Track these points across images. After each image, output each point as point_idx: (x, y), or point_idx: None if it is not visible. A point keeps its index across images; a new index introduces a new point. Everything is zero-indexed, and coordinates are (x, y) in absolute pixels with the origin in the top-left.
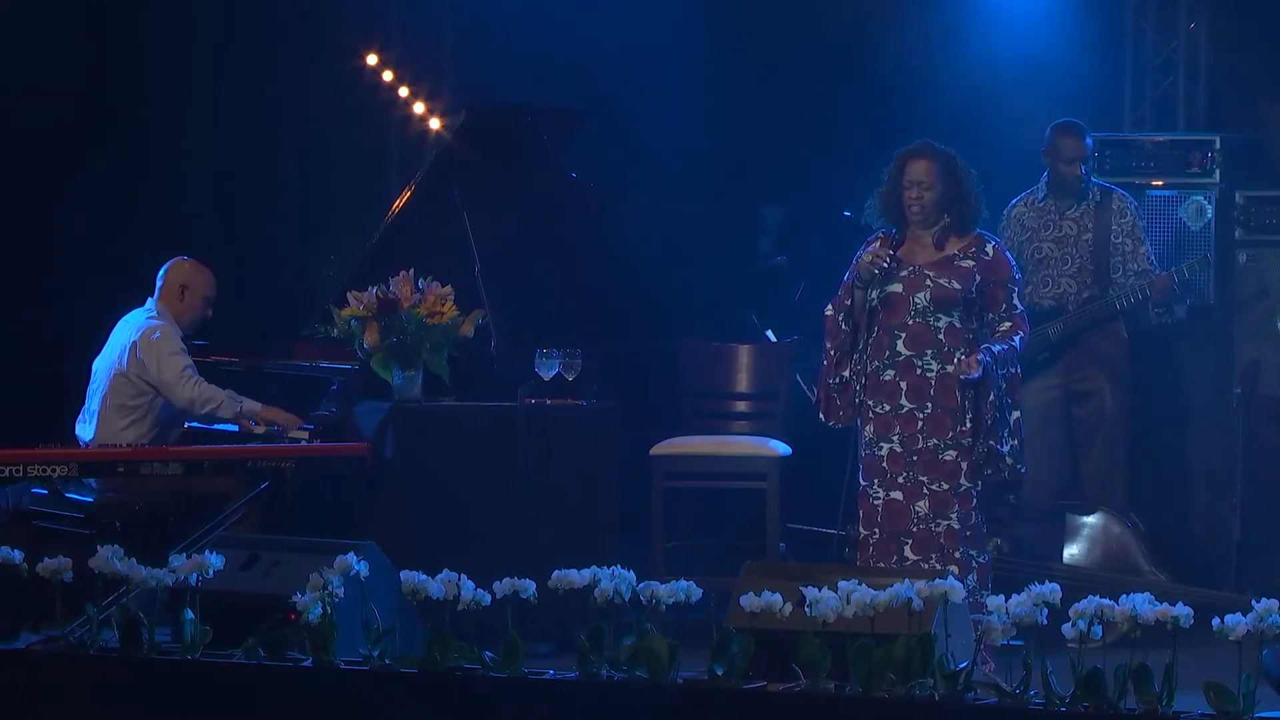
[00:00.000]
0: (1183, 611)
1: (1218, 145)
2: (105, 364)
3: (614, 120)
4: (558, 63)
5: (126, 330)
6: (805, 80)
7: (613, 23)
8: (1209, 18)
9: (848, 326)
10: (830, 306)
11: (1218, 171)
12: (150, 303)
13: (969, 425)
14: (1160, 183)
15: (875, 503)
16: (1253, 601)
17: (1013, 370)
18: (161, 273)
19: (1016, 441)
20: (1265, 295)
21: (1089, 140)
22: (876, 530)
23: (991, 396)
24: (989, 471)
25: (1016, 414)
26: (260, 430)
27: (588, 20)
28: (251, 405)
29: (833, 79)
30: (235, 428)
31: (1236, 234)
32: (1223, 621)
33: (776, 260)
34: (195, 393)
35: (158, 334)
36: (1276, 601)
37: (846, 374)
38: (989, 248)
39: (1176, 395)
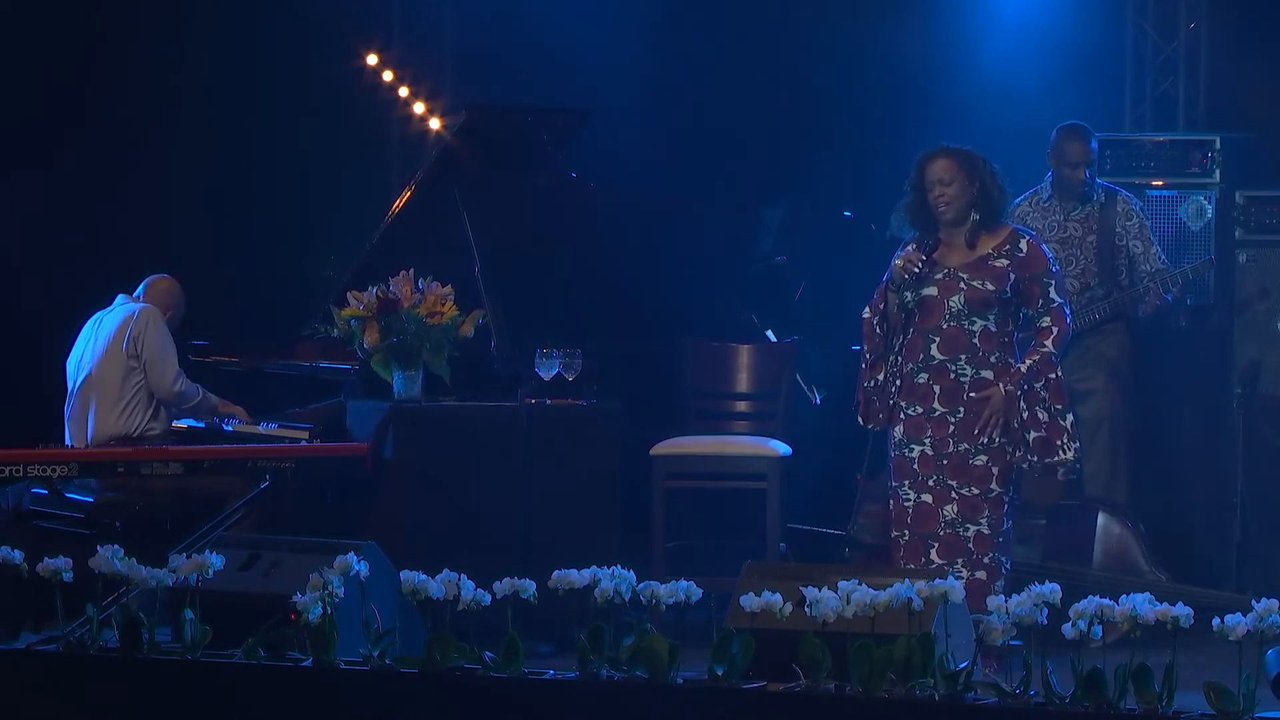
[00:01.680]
0: (1183, 611)
1: (1218, 145)
2: (92, 362)
3: (614, 120)
4: (558, 63)
5: (112, 319)
6: (805, 81)
7: (612, 23)
8: (1209, 18)
9: (882, 330)
10: (866, 309)
11: (1218, 171)
12: (126, 299)
13: (1017, 424)
14: (1160, 183)
15: (906, 504)
16: (1253, 601)
17: (1051, 377)
18: (143, 286)
19: (1077, 444)
20: (1265, 295)
21: (1094, 144)
22: (907, 532)
23: (1018, 421)
24: (1059, 475)
25: (1070, 416)
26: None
27: (587, 21)
28: (214, 400)
29: (833, 80)
30: (229, 427)
31: (1236, 234)
32: (1223, 621)
33: (776, 260)
34: (180, 388)
35: (153, 319)
36: (1276, 601)
37: (881, 377)
38: (1023, 243)
39: (1176, 395)
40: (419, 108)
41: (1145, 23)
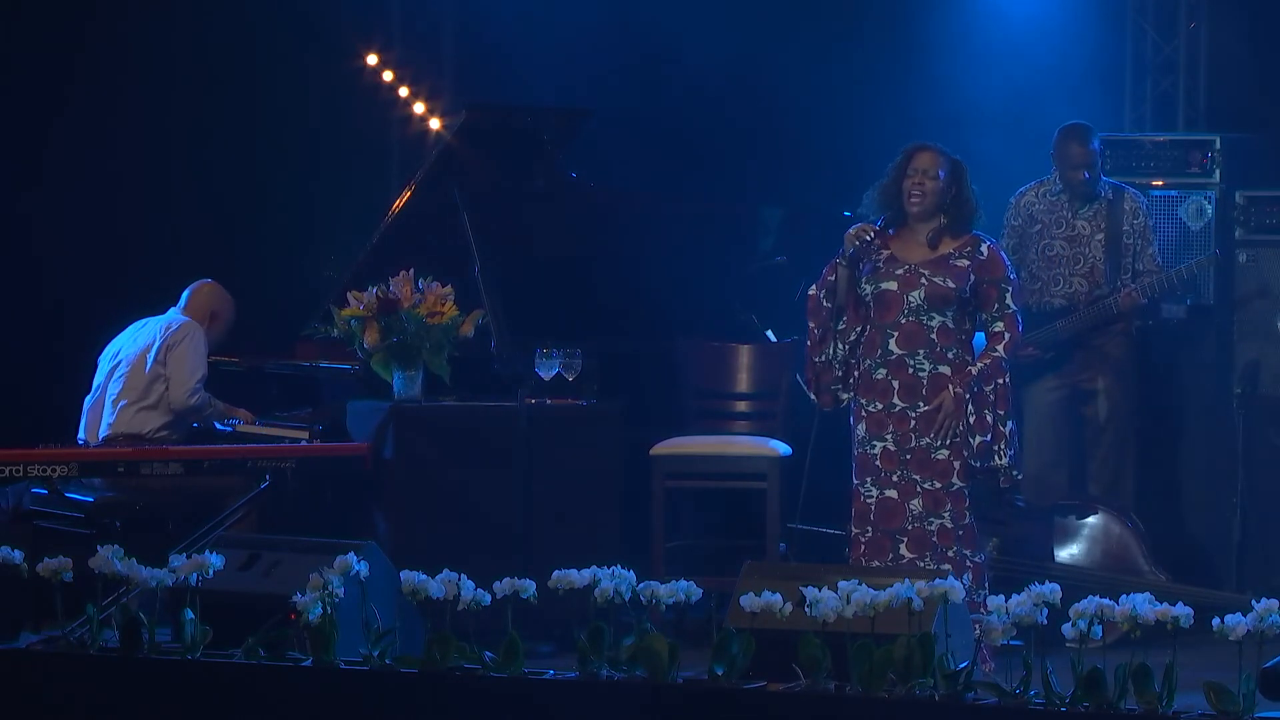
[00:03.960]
0: (1183, 611)
1: (1218, 145)
2: (126, 358)
3: (613, 120)
4: (558, 63)
5: (154, 326)
6: (806, 81)
7: (612, 22)
8: (1209, 18)
9: (830, 304)
10: (813, 287)
11: (1218, 171)
12: (174, 311)
13: (963, 427)
14: (1160, 183)
15: (868, 501)
16: (1253, 601)
17: (1000, 382)
18: (188, 292)
19: (1013, 451)
20: (1265, 295)
21: (1096, 145)
22: (869, 529)
23: (963, 425)
24: (1000, 481)
25: (1010, 424)
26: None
27: (587, 20)
28: (220, 405)
29: (833, 79)
30: (229, 428)
31: (1236, 234)
32: (1223, 621)
33: (776, 260)
34: (194, 402)
35: (191, 334)
36: (1276, 601)
37: (830, 351)
38: (984, 247)
39: (1177, 395)
40: (419, 108)
41: (1145, 23)
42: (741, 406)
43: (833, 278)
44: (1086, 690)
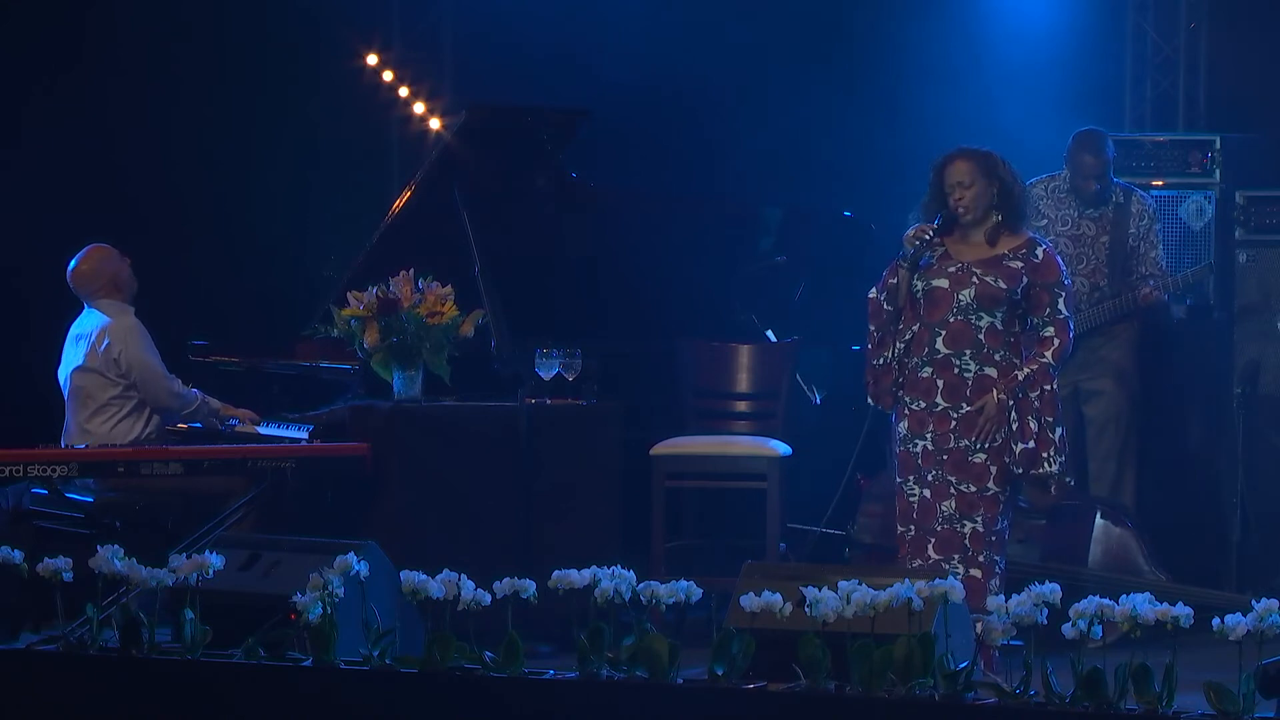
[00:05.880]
0: (1183, 611)
1: (1218, 145)
2: (77, 380)
3: (614, 120)
4: (558, 63)
5: (85, 332)
6: (806, 80)
7: (612, 23)
8: (1209, 18)
9: (890, 306)
10: (873, 290)
11: (1218, 171)
12: (90, 307)
13: (1005, 433)
14: (1160, 183)
15: (910, 499)
16: (1253, 601)
17: (1046, 389)
18: (75, 285)
19: (1063, 457)
20: (1266, 295)
21: (1109, 152)
22: (912, 527)
23: (1005, 431)
24: (1051, 488)
25: (1060, 430)
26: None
27: (587, 20)
28: (214, 404)
29: (834, 79)
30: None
31: (1236, 234)
32: (1223, 621)
33: (776, 260)
34: (177, 389)
35: (127, 336)
36: (1276, 601)
37: (889, 354)
38: (1039, 250)
39: (1177, 395)
40: (419, 108)
41: (1145, 23)
42: (741, 406)
43: (893, 280)
44: (1086, 690)
